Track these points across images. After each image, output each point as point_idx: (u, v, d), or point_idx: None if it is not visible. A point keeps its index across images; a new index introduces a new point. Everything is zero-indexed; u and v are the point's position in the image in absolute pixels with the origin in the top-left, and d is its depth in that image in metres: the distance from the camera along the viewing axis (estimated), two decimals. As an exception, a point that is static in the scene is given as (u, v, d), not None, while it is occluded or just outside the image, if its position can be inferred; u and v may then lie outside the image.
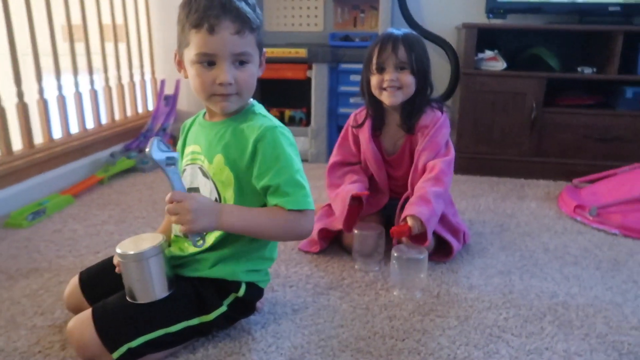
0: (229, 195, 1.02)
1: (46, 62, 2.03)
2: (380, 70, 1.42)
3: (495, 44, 2.29)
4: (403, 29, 1.46)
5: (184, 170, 1.09)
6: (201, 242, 0.96)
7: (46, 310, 1.17)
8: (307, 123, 2.56)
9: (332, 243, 1.53)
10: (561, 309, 1.21)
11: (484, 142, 2.28)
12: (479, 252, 1.51)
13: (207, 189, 1.04)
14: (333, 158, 1.59)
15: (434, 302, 1.23)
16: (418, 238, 1.32)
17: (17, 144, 1.92)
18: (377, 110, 1.50)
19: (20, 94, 1.91)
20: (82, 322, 0.96)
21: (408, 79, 1.41)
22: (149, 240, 0.98)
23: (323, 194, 2.00)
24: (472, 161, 2.28)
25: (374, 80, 1.44)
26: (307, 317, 1.16)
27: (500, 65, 2.24)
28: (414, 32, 1.49)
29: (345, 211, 1.38)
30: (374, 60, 1.43)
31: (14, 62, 1.87)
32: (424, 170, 1.42)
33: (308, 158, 2.48)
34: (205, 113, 1.10)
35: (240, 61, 0.97)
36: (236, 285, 1.05)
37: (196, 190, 1.06)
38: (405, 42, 1.41)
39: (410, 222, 1.30)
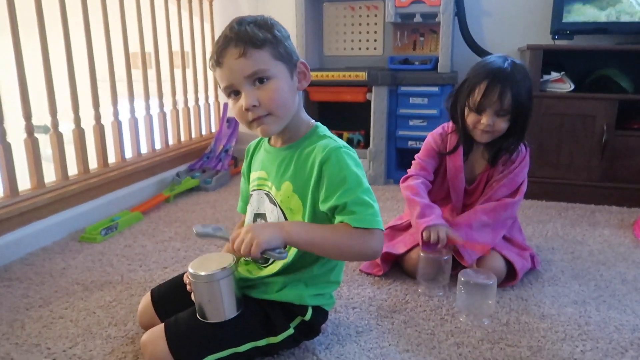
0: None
1: (121, 87, 2.16)
2: (479, 111, 1.37)
3: (562, 65, 2.22)
4: (510, 59, 1.37)
5: (251, 195, 1.11)
6: (284, 253, 0.92)
7: (119, 322, 1.22)
8: (365, 145, 2.57)
9: (394, 266, 1.50)
10: (644, 344, 1.13)
11: (550, 166, 2.20)
12: (549, 280, 1.44)
13: (274, 215, 1.04)
14: (412, 169, 1.54)
15: (504, 330, 1.18)
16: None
17: (93, 163, 2.04)
18: (466, 141, 1.46)
19: (97, 117, 2.04)
20: (155, 336, 0.98)
21: (503, 126, 1.36)
22: (219, 261, 1.00)
23: (384, 216, 1.98)
24: (538, 185, 2.19)
25: (470, 118, 1.39)
26: (371, 340, 1.14)
27: (567, 87, 2.17)
28: (521, 65, 1.39)
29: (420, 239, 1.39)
30: (477, 99, 1.35)
31: (93, 87, 2.00)
32: None
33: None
34: (270, 139, 1.11)
35: (259, 79, 0.95)
36: (303, 308, 1.05)
37: (262, 216, 1.07)
38: (514, 85, 1.32)
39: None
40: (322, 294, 1.08)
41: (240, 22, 0.96)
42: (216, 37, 2.96)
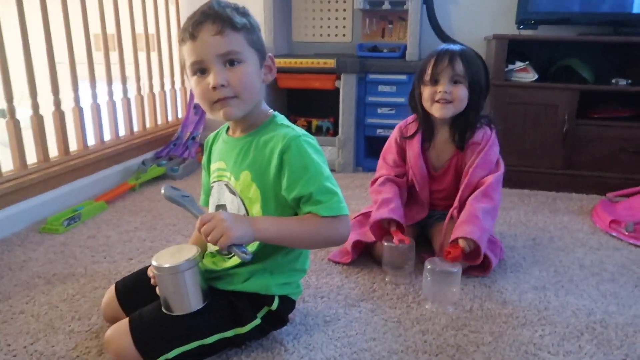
0: (256, 211, 1.02)
1: (81, 70, 2.08)
2: (434, 82, 1.41)
3: (526, 55, 2.27)
4: (459, 45, 1.45)
5: (211, 187, 1.10)
6: (248, 254, 0.92)
7: (83, 316, 1.20)
8: (335, 133, 2.57)
9: (362, 254, 1.52)
10: (599, 327, 1.18)
11: (514, 154, 2.25)
12: (512, 267, 1.48)
13: (234, 206, 1.04)
14: (377, 173, 1.56)
15: (467, 316, 1.21)
16: (470, 256, 1.33)
17: (53, 151, 1.97)
18: (427, 124, 1.49)
19: (57, 102, 1.97)
20: (120, 331, 0.97)
21: (461, 93, 1.39)
22: (183, 252, 0.99)
23: (352, 203, 2.00)
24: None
25: (426, 92, 1.43)
26: (338, 329, 1.15)
27: (531, 76, 2.22)
28: (471, 49, 1.46)
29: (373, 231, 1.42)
30: (429, 71, 1.41)
31: (52, 70, 1.92)
32: (476, 187, 1.42)
33: (335, 168, 2.48)
34: (228, 129, 1.11)
35: (230, 61, 0.94)
36: (269, 298, 1.05)
37: (223, 207, 1.06)
38: (463, 56, 1.39)
39: (462, 244, 1.31)
40: (289, 282, 1.08)
41: (219, 3, 0.95)
42: (182, 20, 2.86)
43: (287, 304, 1.09)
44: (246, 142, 1.03)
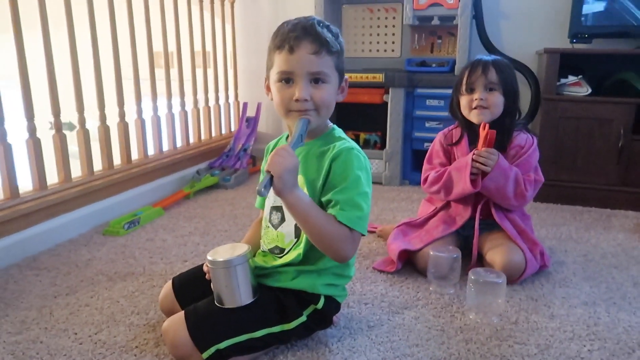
0: None
1: (144, 86, 2.23)
2: (470, 90, 1.50)
3: (579, 69, 2.23)
4: (492, 56, 1.54)
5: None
6: (265, 191, 0.93)
7: (141, 311, 1.28)
8: (382, 146, 2.60)
9: (406, 264, 1.54)
10: (653, 345, 1.14)
11: (566, 169, 2.20)
12: (561, 282, 1.46)
13: None
14: (426, 173, 1.62)
15: (512, 328, 1.21)
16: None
17: (117, 159, 2.12)
18: (469, 129, 1.55)
19: (122, 114, 2.12)
20: (176, 323, 1.04)
21: (496, 99, 1.47)
22: (236, 249, 1.06)
23: (398, 216, 2.03)
24: (553, 189, 2.20)
25: (464, 100, 1.52)
26: (382, 334, 1.18)
27: (584, 90, 2.17)
28: (503, 59, 1.54)
29: (469, 167, 1.45)
30: (464, 81, 1.50)
31: (118, 85, 2.08)
32: None
33: (382, 181, 2.51)
34: (287, 136, 1.17)
35: (316, 79, 1.02)
36: (315, 297, 1.09)
37: (279, 208, 1.12)
38: (495, 65, 1.48)
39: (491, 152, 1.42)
40: (335, 284, 1.12)
41: (319, 22, 1.03)
42: (237, 38, 3.00)
43: (332, 304, 1.13)
44: (304, 149, 1.09)
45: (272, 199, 1.14)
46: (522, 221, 1.53)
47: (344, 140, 1.08)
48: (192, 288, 1.15)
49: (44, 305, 1.31)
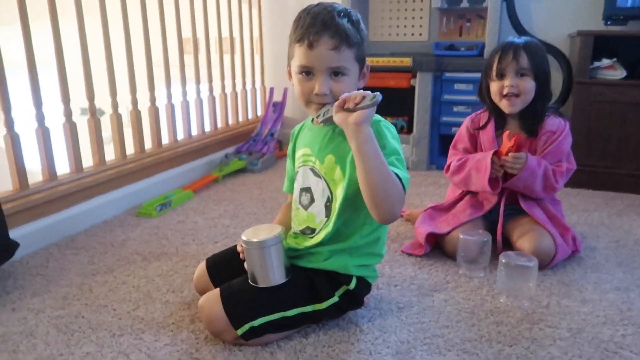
0: (339, 192, 1.08)
1: (174, 71, 2.26)
2: (500, 76, 1.46)
3: (614, 51, 2.17)
4: (524, 37, 1.49)
5: (297, 172, 1.18)
6: (378, 94, 0.96)
7: (176, 289, 1.32)
8: (408, 131, 2.59)
9: (434, 248, 1.54)
10: (688, 331, 1.13)
11: (598, 154, 2.16)
12: (592, 267, 1.44)
13: (319, 188, 1.12)
14: (449, 160, 1.61)
15: (543, 312, 1.21)
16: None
17: (148, 144, 2.16)
18: (498, 114, 1.52)
19: (152, 99, 2.15)
20: (211, 299, 1.07)
21: (528, 85, 1.43)
22: (268, 230, 1.08)
23: (426, 200, 2.03)
24: (584, 174, 2.16)
25: (494, 86, 1.48)
26: (412, 315, 1.19)
27: (619, 74, 2.12)
28: (534, 40, 1.50)
29: (488, 172, 1.43)
30: (494, 67, 1.47)
31: (149, 71, 2.11)
32: None
33: (409, 165, 2.50)
34: (313, 119, 1.18)
35: (336, 72, 1.03)
36: (347, 278, 1.11)
37: (308, 189, 1.14)
38: (526, 49, 1.43)
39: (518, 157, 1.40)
40: (366, 265, 1.14)
41: (339, 12, 1.03)
42: (264, 23, 3.00)
43: (364, 285, 1.15)
44: (330, 128, 1.10)
45: (300, 180, 1.16)
46: (552, 206, 1.51)
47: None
48: (226, 268, 1.18)
49: (83, 283, 1.36)
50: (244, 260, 1.11)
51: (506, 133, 1.43)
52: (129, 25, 1.97)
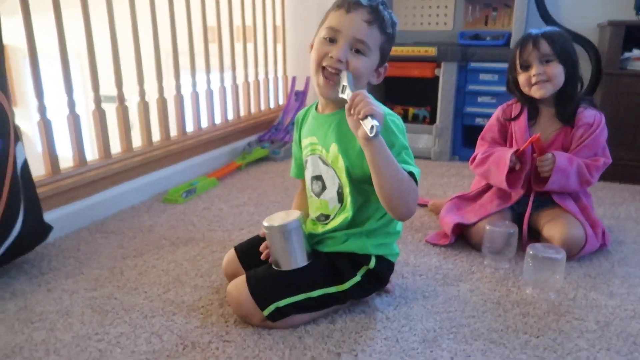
0: (344, 179, 1.10)
1: (198, 60, 2.28)
2: (526, 68, 1.45)
3: (646, 42, 2.12)
4: (543, 28, 1.48)
5: (306, 161, 1.19)
6: (377, 128, 0.91)
7: (204, 274, 1.35)
8: (431, 121, 2.57)
9: (459, 238, 1.54)
10: None
11: (627, 147, 2.12)
12: (620, 261, 1.43)
13: (329, 175, 1.13)
14: (476, 151, 1.59)
15: (570, 304, 1.20)
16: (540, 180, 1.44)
17: (173, 131, 2.19)
18: (530, 104, 1.51)
19: (178, 87, 2.18)
20: (239, 284, 1.10)
21: (555, 70, 1.42)
22: (287, 215, 1.11)
23: (449, 191, 2.02)
24: (612, 167, 2.06)
25: (522, 78, 1.47)
26: (437, 305, 1.20)
27: (650, 65, 2.07)
28: (555, 28, 1.49)
29: (506, 168, 1.42)
30: (518, 60, 1.46)
31: (175, 58, 2.13)
32: None
33: (431, 156, 2.49)
34: (317, 106, 1.19)
35: (357, 50, 1.03)
36: (367, 258, 1.13)
37: (319, 177, 1.15)
38: (545, 37, 1.43)
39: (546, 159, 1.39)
40: (384, 243, 1.15)
41: (383, 2, 1.06)
42: (286, 12, 2.99)
43: (385, 264, 1.16)
44: (335, 118, 1.11)
45: (310, 169, 1.18)
46: (584, 198, 1.50)
47: None
48: (255, 254, 1.19)
49: (114, 266, 1.39)
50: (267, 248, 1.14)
51: (533, 137, 1.40)
52: (155, 13, 1.99)
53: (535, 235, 1.52)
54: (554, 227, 1.42)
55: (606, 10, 2.35)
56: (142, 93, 1.98)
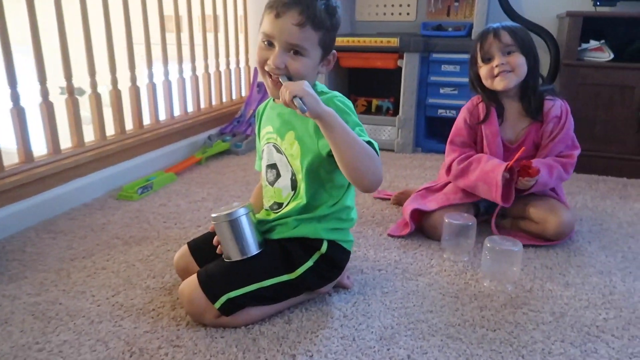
0: (297, 166, 1.09)
1: (155, 50, 2.20)
2: (488, 60, 1.44)
3: (602, 33, 2.15)
4: (500, 23, 1.48)
5: (262, 150, 1.19)
6: (299, 99, 0.93)
7: (157, 274, 1.29)
8: (394, 113, 2.56)
9: (421, 231, 1.53)
10: (669, 314, 1.14)
11: (583, 137, 2.10)
12: (576, 250, 1.45)
13: (282, 164, 1.13)
14: (448, 159, 1.55)
15: (527, 296, 1.21)
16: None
17: (128, 124, 2.10)
18: (495, 101, 1.49)
19: (133, 79, 2.09)
20: (190, 282, 1.07)
21: (518, 60, 1.41)
22: (237, 206, 1.09)
23: (411, 183, 2.01)
24: (569, 157, 2.16)
25: (484, 70, 1.45)
26: (396, 300, 1.18)
27: (606, 56, 2.11)
28: (513, 23, 1.49)
29: (500, 189, 1.41)
30: (479, 53, 1.45)
31: (129, 49, 2.04)
32: None
33: (394, 148, 2.48)
34: (274, 100, 1.17)
35: (295, 51, 1.02)
36: (319, 242, 1.11)
37: (273, 166, 1.15)
38: (506, 28, 1.42)
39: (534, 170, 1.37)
40: (337, 228, 1.14)
41: None
42: (248, 2, 2.91)
43: (338, 250, 1.14)
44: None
45: (266, 158, 1.17)
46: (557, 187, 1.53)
47: (325, 93, 1.08)
48: (209, 249, 1.15)
49: (61, 268, 1.33)
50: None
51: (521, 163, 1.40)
52: (107, 1, 1.90)
53: (516, 220, 1.54)
54: (546, 211, 1.43)
55: (565, 1, 2.37)
56: (93, 85, 1.89)
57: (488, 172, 1.43)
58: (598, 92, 2.10)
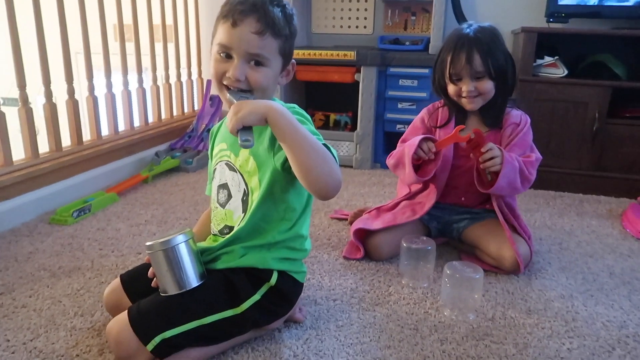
0: (254, 183, 1.01)
1: (97, 60, 2.05)
2: (457, 80, 1.39)
3: (556, 49, 2.16)
4: (476, 24, 1.40)
5: (214, 170, 1.10)
6: (249, 141, 0.85)
7: (86, 312, 1.15)
8: (353, 128, 2.49)
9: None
10: (632, 342, 1.09)
11: (540, 153, 2.14)
12: (536, 272, 1.40)
13: (235, 182, 1.04)
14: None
15: (489, 325, 1.14)
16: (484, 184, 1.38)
17: (66, 140, 1.94)
18: (458, 109, 1.46)
19: (71, 92, 1.94)
20: (119, 321, 0.93)
21: (487, 86, 1.36)
22: (175, 232, 0.98)
23: (369, 201, 1.94)
24: (527, 173, 2.14)
25: (451, 89, 1.41)
26: (351, 335, 1.09)
27: (560, 72, 2.11)
28: (488, 27, 1.39)
29: (411, 155, 1.35)
30: (448, 70, 1.38)
31: (66, 60, 1.89)
32: None
33: (353, 164, 2.41)
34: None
35: (256, 61, 0.96)
36: (268, 273, 1.02)
37: (225, 185, 1.06)
38: (480, 48, 1.33)
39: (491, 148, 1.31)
40: (288, 258, 1.04)
41: (272, 0, 0.96)
42: (201, 10, 2.79)
43: (289, 282, 1.05)
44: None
45: (217, 178, 1.08)
46: (513, 203, 1.47)
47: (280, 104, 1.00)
48: (144, 282, 1.02)
49: (-26, 307, 1.17)
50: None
51: (458, 128, 1.34)
52: (40, 9, 1.75)
53: (469, 248, 1.48)
54: (501, 247, 1.36)
55: (520, 17, 2.38)
56: (24, 97, 1.72)
57: (413, 143, 1.38)
58: (553, 108, 2.10)
